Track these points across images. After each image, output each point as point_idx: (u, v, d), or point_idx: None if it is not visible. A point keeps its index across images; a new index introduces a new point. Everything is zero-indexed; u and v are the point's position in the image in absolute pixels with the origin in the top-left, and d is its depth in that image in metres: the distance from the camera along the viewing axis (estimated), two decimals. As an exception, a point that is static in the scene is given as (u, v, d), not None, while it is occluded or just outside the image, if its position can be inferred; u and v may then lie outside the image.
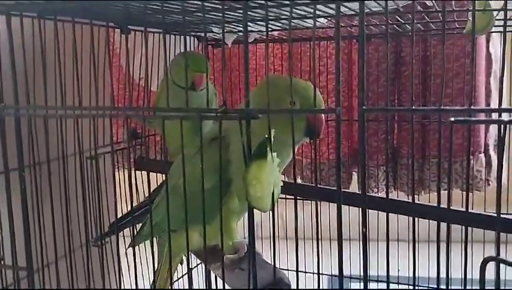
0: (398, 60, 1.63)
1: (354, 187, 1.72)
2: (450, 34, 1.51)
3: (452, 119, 0.52)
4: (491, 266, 0.58)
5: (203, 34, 1.45)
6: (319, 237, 0.66)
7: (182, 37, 1.42)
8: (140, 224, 1.00)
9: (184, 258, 0.98)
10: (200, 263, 1.42)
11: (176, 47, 1.36)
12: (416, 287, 0.66)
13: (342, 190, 0.65)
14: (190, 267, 1.17)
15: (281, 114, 0.78)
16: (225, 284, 0.77)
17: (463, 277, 0.63)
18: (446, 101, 1.54)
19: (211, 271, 0.89)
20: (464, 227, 0.64)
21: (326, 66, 1.62)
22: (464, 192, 1.52)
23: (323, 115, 0.83)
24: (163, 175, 1.28)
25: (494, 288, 0.55)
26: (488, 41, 1.57)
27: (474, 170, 1.53)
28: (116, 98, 1.66)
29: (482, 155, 1.60)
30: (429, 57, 1.58)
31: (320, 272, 0.68)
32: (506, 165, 1.58)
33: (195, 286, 1.14)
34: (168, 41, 1.37)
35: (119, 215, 1.03)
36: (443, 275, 0.61)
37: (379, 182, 1.65)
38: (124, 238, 1.08)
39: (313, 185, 1.31)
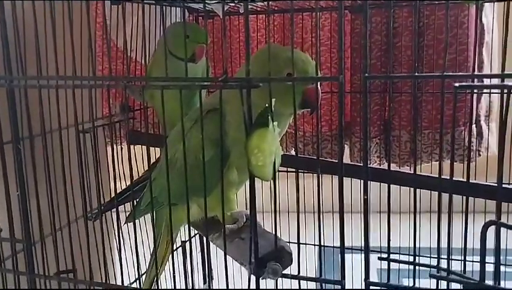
0: (391, 31, 1.62)
1: (345, 159, 1.73)
2: (442, 4, 1.50)
3: (457, 84, 0.51)
4: (491, 236, 0.59)
5: (193, 6, 1.43)
6: (321, 209, 0.66)
7: (171, 8, 1.39)
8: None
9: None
10: (194, 235, 1.43)
11: (164, 18, 1.34)
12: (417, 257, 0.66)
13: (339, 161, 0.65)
14: (183, 240, 1.18)
15: (278, 85, 0.77)
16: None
17: (463, 246, 0.64)
18: (438, 73, 1.54)
19: (210, 243, 0.90)
20: (464, 197, 0.65)
21: (317, 37, 1.60)
22: (456, 163, 1.53)
23: (319, 89, 0.82)
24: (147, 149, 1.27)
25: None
26: (480, 11, 1.56)
27: (465, 141, 1.54)
28: (105, 70, 1.64)
29: (473, 126, 1.62)
30: (422, 27, 1.57)
31: (322, 244, 0.69)
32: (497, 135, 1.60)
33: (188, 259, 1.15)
34: (157, 13, 1.35)
35: (113, 190, 1.03)
36: (443, 245, 0.62)
37: (371, 154, 1.66)
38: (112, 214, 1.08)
39: (314, 157, 1.31)
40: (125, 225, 0.94)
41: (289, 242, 0.80)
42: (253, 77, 0.65)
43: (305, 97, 0.80)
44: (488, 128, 1.64)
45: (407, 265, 0.75)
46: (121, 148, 1.11)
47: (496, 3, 1.50)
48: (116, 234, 0.82)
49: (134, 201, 0.96)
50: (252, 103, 0.64)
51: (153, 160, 1.06)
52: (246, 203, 1.06)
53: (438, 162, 1.62)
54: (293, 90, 0.65)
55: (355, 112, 1.71)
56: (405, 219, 1.13)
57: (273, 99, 0.64)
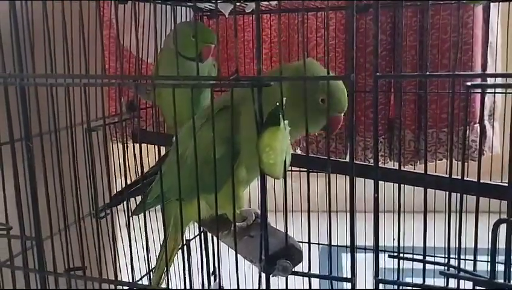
0: (396, 31, 1.63)
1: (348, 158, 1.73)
2: (447, 5, 1.51)
3: (469, 83, 0.52)
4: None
5: (198, 5, 1.43)
6: (330, 209, 0.66)
7: (176, 7, 1.39)
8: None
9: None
10: (199, 233, 1.43)
11: (168, 18, 1.34)
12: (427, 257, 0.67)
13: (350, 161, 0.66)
14: (188, 239, 1.18)
15: (310, 112, 0.78)
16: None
17: (474, 245, 0.64)
18: (443, 72, 1.55)
19: (215, 241, 0.90)
20: (475, 197, 0.65)
21: (323, 37, 1.61)
22: (457, 162, 1.54)
23: (342, 116, 0.83)
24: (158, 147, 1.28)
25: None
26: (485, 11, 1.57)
27: (469, 140, 1.55)
28: (113, 70, 1.64)
29: (477, 125, 1.62)
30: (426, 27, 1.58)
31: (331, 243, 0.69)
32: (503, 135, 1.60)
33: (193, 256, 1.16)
34: (163, 12, 1.35)
35: (121, 187, 1.03)
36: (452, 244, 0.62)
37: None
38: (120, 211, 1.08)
39: (323, 157, 1.32)
40: (133, 220, 0.94)
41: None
42: (264, 76, 0.65)
43: (329, 123, 0.81)
44: (492, 127, 1.65)
45: (412, 265, 0.76)
46: (126, 146, 1.11)
47: (500, 3, 1.51)
48: (126, 229, 0.82)
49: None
50: (270, 101, 0.64)
51: (156, 159, 1.07)
52: (250, 202, 1.07)
53: (441, 161, 1.62)
54: (306, 103, 0.66)
55: (359, 110, 1.71)
56: (409, 218, 1.13)
57: (288, 103, 0.65)
